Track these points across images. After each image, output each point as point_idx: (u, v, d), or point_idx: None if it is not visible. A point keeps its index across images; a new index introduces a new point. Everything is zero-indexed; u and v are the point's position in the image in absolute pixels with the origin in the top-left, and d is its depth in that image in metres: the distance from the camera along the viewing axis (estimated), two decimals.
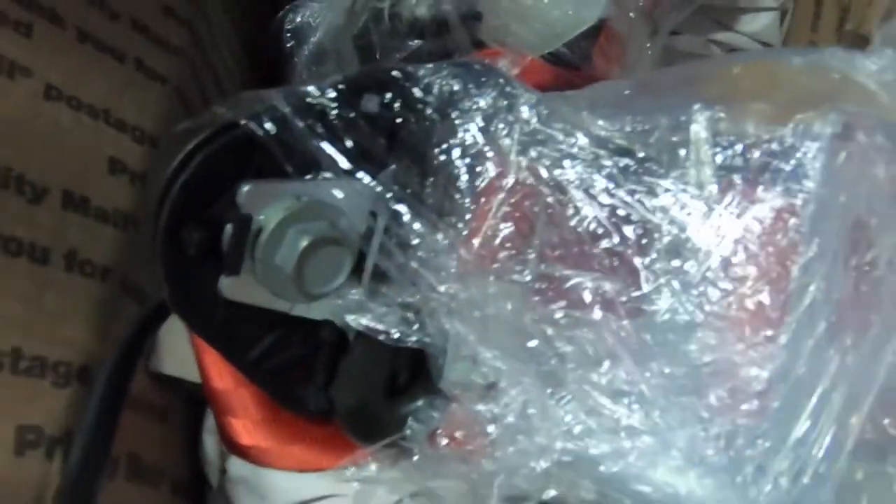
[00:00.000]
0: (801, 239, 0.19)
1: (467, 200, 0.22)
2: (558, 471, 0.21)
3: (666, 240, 0.20)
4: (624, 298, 0.20)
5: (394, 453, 0.25)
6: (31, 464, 0.20)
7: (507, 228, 0.22)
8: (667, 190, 0.21)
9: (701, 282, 0.20)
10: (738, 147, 0.20)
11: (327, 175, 0.21)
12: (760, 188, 0.19)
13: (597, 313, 0.21)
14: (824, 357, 0.19)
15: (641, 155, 0.21)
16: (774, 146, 0.19)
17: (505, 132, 0.22)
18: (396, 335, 0.22)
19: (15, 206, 0.23)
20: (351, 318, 0.22)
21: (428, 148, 0.22)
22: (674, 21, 0.46)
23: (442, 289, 0.21)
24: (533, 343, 0.21)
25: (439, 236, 0.21)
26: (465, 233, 0.21)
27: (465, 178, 0.22)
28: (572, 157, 0.22)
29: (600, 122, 0.22)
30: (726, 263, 0.19)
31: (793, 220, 0.19)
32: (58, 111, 0.27)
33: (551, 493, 0.21)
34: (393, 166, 0.22)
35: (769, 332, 0.19)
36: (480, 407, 0.22)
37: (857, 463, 0.19)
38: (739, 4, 0.51)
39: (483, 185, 0.22)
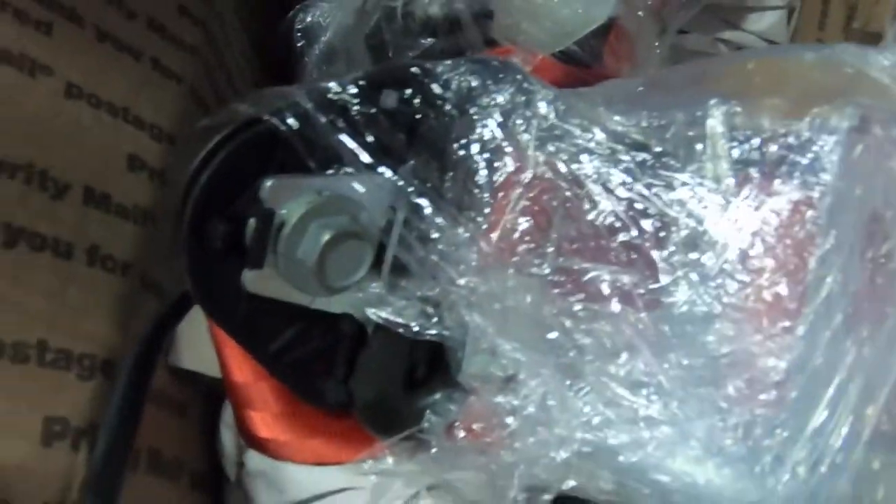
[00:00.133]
0: (818, 231, 0.19)
1: (486, 195, 0.22)
2: (577, 461, 0.21)
3: (683, 233, 0.21)
4: (642, 291, 0.21)
5: (411, 446, 0.25)
6: (58, 454, 0.21)
7: (525, 222, 0.22)
8: (684, 184, 0.21)
9: (719, 274, 0.20)
10: (755, 141, 0.20)
11: (348, 170, 0.21)
12: (777, 181, 0.20)
13: (615, 306, 0.21)
14: (841, 348, 0.19)
15: (658, 150, 0.22)
16: (791, 140, 0.19)
17: (523, 127, 0.22)
18: (416, 328, 0.22)
19: (38, 202, 0.23)
20: (371, 312, 0.23)
21: (447, 143, 0.22)
22: (682, 20, 0.47)
23: (461, 282, 0.22)
24: (552, 335, 0.21)
25: (459, 230, 0.21)
26: (484, 227, 0.22)
27: (483, 172, 0.22)
28: (589, 151, 0.22)
29: (616, 118, 0.23)
30: (744, 255, 0.20)
31: (810, 213, 0.19)
32: (78, 109, 0.27)
33: (570, 483, 0.21)
34: (412, 161, 0.22)
35: (787, 324, 0.19)
36: (499, 399, 0.22)
37: (873, 453, 0.19)
38: (747, 3, 0.51)
39: (501, 179, 0.22)
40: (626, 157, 0.22)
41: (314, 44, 0.45)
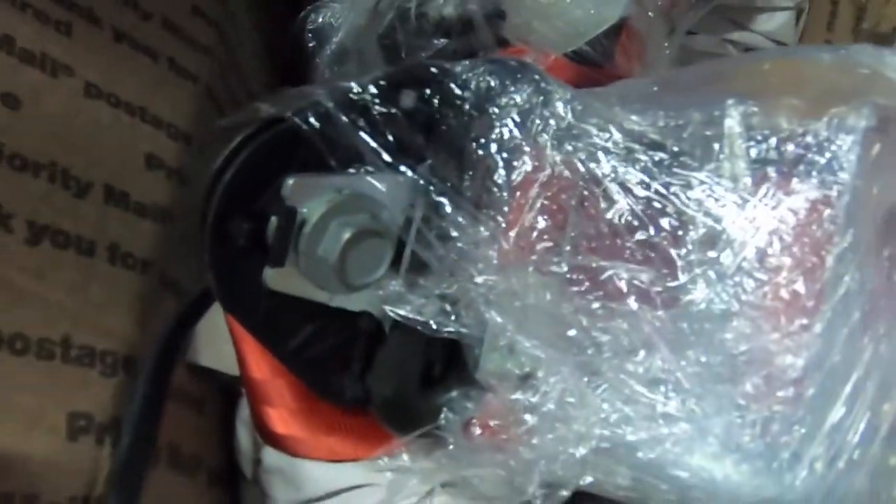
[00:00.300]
0: (836, 230, 0.19)
1: (504, 194, 0.22)
2: (595, 458, 0.21)
3: (701, 231, 0.21)
4: (659, 289, 0.21)
5: (427, 443, 0.25)
6: (83, 449, 0.21)
7: (543, 221, 0.22)
8: (701, 183, 0.21)
9: (736, 272, 0.20)
10: (773, 140, 0.20)
11: (369, 168, 0.22)
12: (795, 180, 0.20)
13: (632, 303, 0.21)
14: (858, 346, 0.19)
15: (675, 149, 0.22)
16: (809, 139, 0.20)
17: (541, 127, 0.23)
18: (434, 326, 0.23)
19: (61, 200, 0.24)
20: (390, 309, 0.23)
21: (466, 142, 0.22)
22: (691, 20, 0.47)
23: (480, 279, 0.22)
24: (570, 332, 0.21)
25: (478, 228, 0.22)
26: (502, 225, 0.22)
27: (501, 171, 0.22)
28: (606, 151, 0.22)
29: (633, 118, 0.23)
30: (762, 254, 0.20)
31: (828, 212, 0.19)
32: (98, 108, 0.27)
33: (588, 479, 0.21)
34: (431, 160, 0.22)
35: (804, 321, 0.19)
36: (517, 396, 0.22)
37: (890, 449, 0.19)
38: (755, 4, 0.51)
39: (519, 178, 0.22)
40: (643, 157, 0.22)
41: (325, 44, 0.45)
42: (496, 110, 0.23)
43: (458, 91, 0.22)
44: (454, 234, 0.22)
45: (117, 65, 0.29)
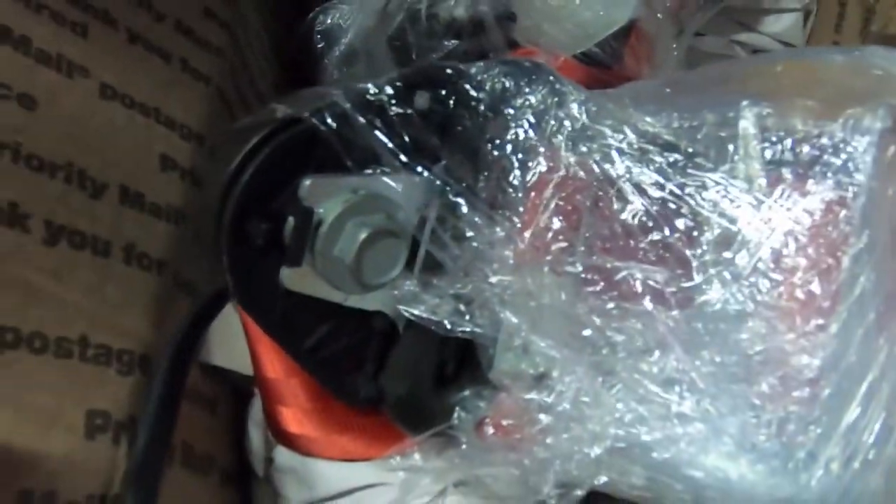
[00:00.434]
0: (852, 231, 0.19)
1: (519, 194, 0.22)
2: (610, 458, 0.21)
3: (716, 232, 0.21)
4: (674, 289, 0.21)
5: (439, 442, 0.25)
6: (101, 447, 0.21)
7: (558, 221, 0.22)
8: (716, 184, 0.21)
9: (752, 273, 0.20)
10: (788, 142, 0.20)
11: (385, 169, 0.22)
12: (811, 181, 0.20)
13: (647, 304, 0.21)
14: (874, 346, 0.19)
15: (690, 150, 0.22)
16: (824, 140, 0.20)
17: (555, 128, 0.23)
18: (448, 325, 0.23)
19: (78, 200, 0.24)
20: (404, 309, 0.23)
21: (481, 143, 0.23)
22: (699, 22, 0.47)
23: (495, 279, 0.22)
24: (585, 332, 0.21)
25: (494, 228, 0.22)
26: (517, 225, 0.22)
27: (517, 172, 0.22)
28: (621, 152, 0.22)
29: (647, 119, 0.23)
30: (777, 255, 0.20)
31: (843, 213, 0.19)
32: (113, 110, 0.27)
33: (602, 479, 0.21)
34: (446, 161, 0.23)
35: (820, 322, 0.19)
36: (531, 396, 0.22)
37: None
38: (763, 5, 0.51)
39: (534, 179, 0.22)
40: (657, 158, 0.22)
41: (334, 45, 0.45)
42: (511, 111, 0.23)
43: (472, 92, 0.23)
44: (469, 234, 0.22)
45: (132, 66, 0.29)
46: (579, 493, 0.22)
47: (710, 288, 0.20)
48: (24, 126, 0.24)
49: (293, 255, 0.21)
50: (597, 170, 0.22)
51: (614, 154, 0.22)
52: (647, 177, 0.22)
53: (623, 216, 0.22)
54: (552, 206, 0.22)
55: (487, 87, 0.23)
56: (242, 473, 0.30)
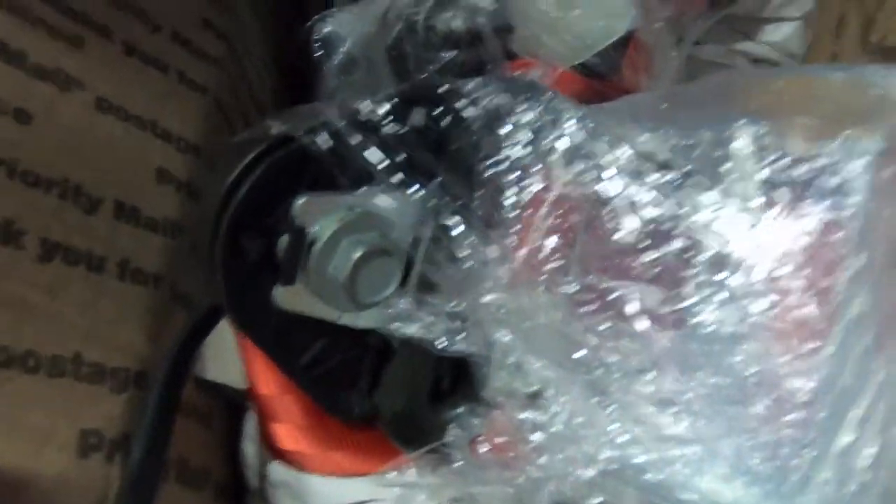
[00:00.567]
0: (848, 253, 0.19)
1: (514, 213, 0.22)
2: (603, 479, 0.21)
3: (711, 252, 0.21)
4: (669, 310, 0.21)
5: (434, 459, 0.25)
6: (94, 466, 0.21)
7: (553, 240, 0.22)
8: (712, 203, 0.21)
9: (746, 294, 0.20)
10: (784, 162, 0.20)
11: (379, 187, 0.22)
12: (807, 202, 0.20)
13: (641, 324, 0.21)
14: (870, 368, 0.19)
15: (686, 169, 0.22)
16: (821, 162, 0.20)
17: (550, 146, 0.23)
18: (442, 344, 0.23)
19: (73, 216, 0.24)
20: (398, 327, 0.23)
21: (475, 161, 0.22)
22: (698, 31, 0.47)
23: (489, 298, 0.22)
24: (580, 352, 0.21)
25: (489, 247, 0.22)
26: (512, 244, 0.22)
27: (511, 190, 0.22)
28: (616, 170, 0.22)
29: (643, 137, 0.23)
30: (772, 276, 0.20)
31: (839, 234, 0.19)
32: (109, 122, 0.27)
33: (596, 500, 0.21)
34: (441, 179, 0.22)
35: (815, 344, 0.19)
36: (525, 415, 0.22)
37: None
38: (762, 14, 0.51)
39: (529, 198, 0.22)
40: (653, 176, 0.22)
41: (333, 53, 0.45)
42: (506, 129, 0.23)
43: (467, 110, 0.23)
44: (463, 253, 0.22)
45: (128, 78, 0.29)
46: None
47: (705, 309, 0.20)
48: (19, 141, 0.24)
49: (287, 273, 0.21)
50: (592, 188, 0.22)
51: (609, 172, 0.22)
52: (643, 196, 0.22)
53: (617, 235, 0.21)
54: (547, 224, 0.22)
55: (482, 105, 0.23)
56: (237, 488, 0.30)
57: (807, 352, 0.19)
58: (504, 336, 0.22)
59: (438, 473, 0.25)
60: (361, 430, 0.26)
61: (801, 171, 0.20)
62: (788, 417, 0.19)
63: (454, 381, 0.25)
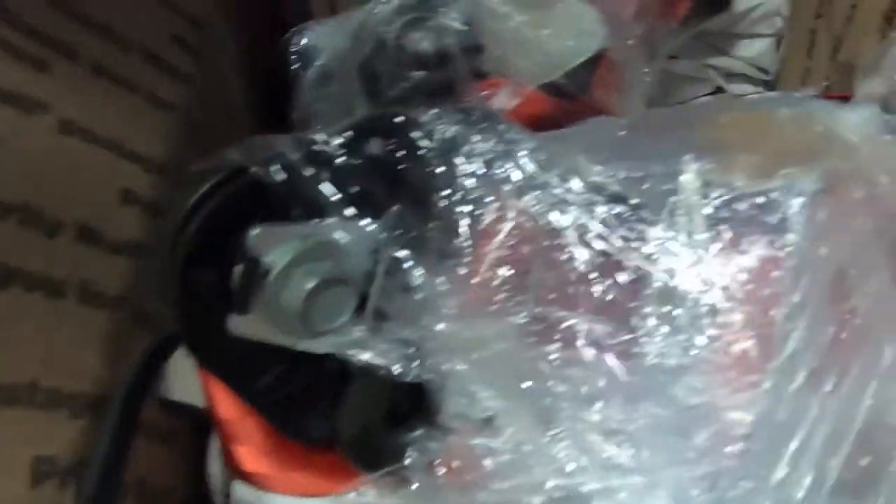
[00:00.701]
0: (785, 289, 0.20)
1: (467, 243, 0.23)
2: None
3: (656, 285, 0.21)
4: (615, 341, 0.21)
5: (394, 480, 0.26)
6: (47, 493, 0.21)
7: (504, 271, 0.22)
8: (658, 237, 0.21)
9: (689, 327, 0.21)
10: (727, 198, 0.21)
11: (333, 219, 0.22)
12: (746, 239, 0.20)
13: (589, 354, 0.21)
14: (805, 402, 0.20)
15: (634, 202, 0.22)
16: (761, 199, 0.20)
17: (503, 177, 0.23)
18: (398, 370, 0.23)
19: (33, 241, 0.24)
20: (354, 354, 0.23)
21: (429, 192, 0.23)
22: (671, 46, 0.47)
23: (441, 327, 0.22)
24: (529, 382, 0.22)
25: (441, 278, 0.22)
26: (464, 275, 0.22)
27: (465, 221, 0.23)
28: (568, 202, 0.23)
29: (595, 168, 0.23)
30: (713, 310, 0.20)
31: (777, 272, 0.20)
32: (74, 145, 0.27)
33: None
34: (395, 209, 0.23)
35: (753, 378, 0.20)
36: (478, 441, 0.23)
37: (835, 501, 0.20)
38: (736, 30, 0.52)
39: (482, 228, 0.23)
40: (602, 209, 0.22)
41: (309, 66, 0.45)
42: (459, 160, 0.23)
43: (422, 141, 0.23)
44: (416, 283, 0.22)
45: (95, 99, 0.30)
46: None
47: (650, 341, 0.21)
48: None
49: (241, 302, 0.21)
50: (544, 220, 0.23)
51: (561, 204, 0.23)
52: (592, 228, 0.22)
53: (567, 267, 0.22)
54: (500, 255, 0.23)
55: (437, 136, 0.23)
56: None
57: (745, 385, 0.20)
58: (456, 364, 0.22)
59: (399, 495, 0.26)
60: (322, 452, 0.27)
61: (742, 207, 0.20)
62: (727, 450, 0.20)
63: (412, 405, 0.26)
